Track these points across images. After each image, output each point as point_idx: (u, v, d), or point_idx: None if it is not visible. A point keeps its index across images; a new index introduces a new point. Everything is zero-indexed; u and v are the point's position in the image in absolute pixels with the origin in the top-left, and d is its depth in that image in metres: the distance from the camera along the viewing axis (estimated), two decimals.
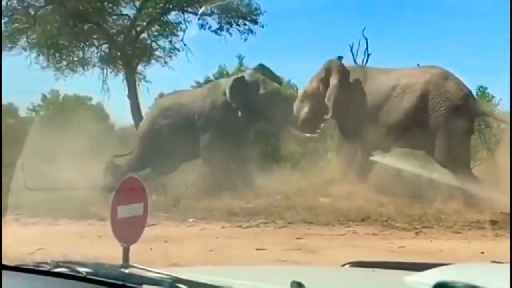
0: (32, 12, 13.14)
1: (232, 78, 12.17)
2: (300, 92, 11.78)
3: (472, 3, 11.05)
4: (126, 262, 2.59)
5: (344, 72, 11.00)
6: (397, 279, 2.07)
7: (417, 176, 9.90)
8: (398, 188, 9.96)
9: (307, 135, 11.22)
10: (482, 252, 6.56)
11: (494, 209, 8.90)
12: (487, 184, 9.58)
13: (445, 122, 10.09)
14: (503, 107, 11.26)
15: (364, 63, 11.85)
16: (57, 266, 2.07)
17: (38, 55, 13.76)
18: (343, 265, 2.43)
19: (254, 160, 11.56)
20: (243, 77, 12.01)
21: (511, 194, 8.59)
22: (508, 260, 2.67)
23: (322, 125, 11.51)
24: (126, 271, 2.04)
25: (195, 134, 11.73)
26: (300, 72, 12.73)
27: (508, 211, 8.84)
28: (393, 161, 10.02)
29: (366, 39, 11.52)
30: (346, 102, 10.82)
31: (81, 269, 1.99)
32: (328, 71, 11.10)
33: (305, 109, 11.22)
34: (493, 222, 8.52)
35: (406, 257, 6.50)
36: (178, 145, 11.40)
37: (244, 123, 11.67)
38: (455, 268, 2.13)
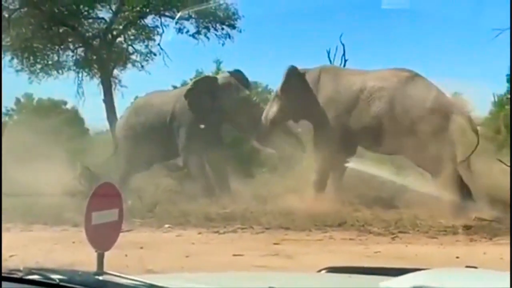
0: (6, 15, 12.95)
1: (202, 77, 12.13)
2: (271, 96, 11.63)
3: (449, 11, 11.21)
4: (100, 269, 2.56)
5: (312, 75, 10.91)
6: (373, 284, 2.07)
7: (393, 181, 9.95)
8: (374, 193, 10.03)
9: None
10: (457, 257, 6.62)
11: (468, 214, 9.01)
12: (461, 189, 9.68)
13: (416, 125, 9.94)
14: (477, 113, 11.40)
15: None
16: (30, 273, 2.04)
17: (12, 58, 13.57)
18: (320, 271, 2.43)
19: (230, 164, 11.54)
20: (214, 78, 12.00)
21: (511, 194, 8.71)
22: (483, 265, 2.70)
23: (299, 130, 11.51)
24: (100, 278, 2.01)
25: (170, 137, 11.65)
26: (277, 77, 12.76)
27: (482, 216, 9.00)
28: (369, 166, 10.05)
29: (343, 45, 11.62)
30: (316, 105, 10.71)
31: (54, 276, 1.96)
32: (296, 74, 10.97)
33: (275, 113, 11.07)
34: (468, 227, 8.61)
35: (382, 262, 6.53)
36: (152, 148, 11.33)
37: (218, 126, 11.64)
38: (430, 273, 2.14)
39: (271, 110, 11.14)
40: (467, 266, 2.43)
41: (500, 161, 10.32)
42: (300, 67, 11.08)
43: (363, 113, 10.35)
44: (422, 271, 2.12)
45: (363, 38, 12.82)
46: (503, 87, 12.87)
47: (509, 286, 1.95)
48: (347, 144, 10.42)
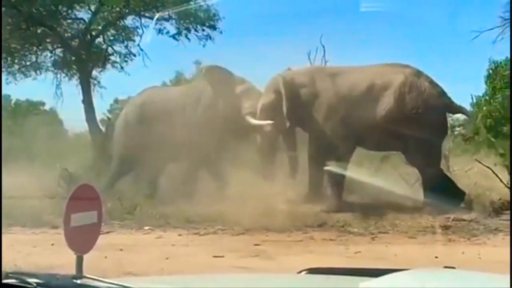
0: None
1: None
2: (262, 94, 11.15)
3: (427, 13, 11.32)
4: (79, 271, 2.54)
5: (308, 74, 10.65)
6: (353, 285, 2.08)
7: (373, 182, 9.98)
8: (355, 193, 10.07)
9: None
10: (436, 257, 6.69)
11: (447, 214, 9.11)
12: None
13: (421, 123, 9.65)
14: (456, 114, 11.50)
15: None
16: (7, 277, 2.01)
17: None
18: (300, 272, 2.43)
19: (211, 165, 11.49)
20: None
21: (511, 194, 8.77)
22: (462, 265, 2.73)
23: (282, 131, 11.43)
24: (79, 281, 1.99)
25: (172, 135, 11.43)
26: (258, 78, 12.76)
27: (460, 216, 9.10)
28: (349, 167, 10.06)
29: (324, 47, 11.65)
30: (310, 104, 10.38)
31: (31, 280, 1.93)
32: (291, 73, 10.73)
33: (267, 112, 10.73)
34: (446, 227, 8.70)
35: (362, 262, 6.57)
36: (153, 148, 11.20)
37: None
38: (410, 274, 2.16)
39: (266, 108, 10.77)
40: (445, 267, 2.45)
41: (478, 161, 10.45)
42: (283, 68, 11.06)
43: (363, 110, 9.95)
44: (402, 272, 2.13)
45: (342, 40, 12.87)
46: (481, 88, 13.07)
47: (486, 286, 1.97)
48: (344, 144, 10.07)
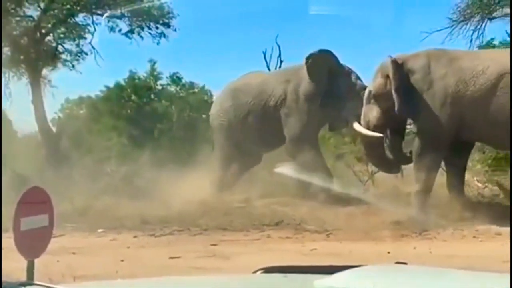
0: None
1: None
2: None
3: (375, 16, 11.51)
4: (30, 277, 2.47)
5: (423, 58, 9.49)
6: (308, 283, 2.09)
7: (328, 179, 10.08)
8: (310, 191, 10.14)
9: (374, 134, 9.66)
10: (389, 252, 6.84)
11: (399, 210, 9.26)
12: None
13: None
14: None
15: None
16: None
17: None
18: (255, 272, 2.43)
19: (167, 164, 11.41)
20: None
21: (511, 195, 8.84)
22: (414, 259, 2.79)
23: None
24: None
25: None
26: (213, 77, 12.75)
27: (411, 211, 9.28)
28: (303, 167, 10.09)
29: (279, 46, 11.68)
30: (425, 93, 9.30)
31: None
32: (404, 57, 9.65)
33: (374, 110, 9.73)
34: (398, 223, 8.84)
35: (318, 259, 6.66)
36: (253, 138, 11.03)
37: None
38: (362, 271, 2.18)
39: (370, 114, 9.81)
40: (397, 262, 2.50)
41: None
42: (238, 66, 11.05)
43: (491, 101, 8.82)
44: (355, 269, 2.16)
45: (292, 42, 12.97)
46: None
47: (436, 281, 2.02)
48: (464, 141, 9.35)
